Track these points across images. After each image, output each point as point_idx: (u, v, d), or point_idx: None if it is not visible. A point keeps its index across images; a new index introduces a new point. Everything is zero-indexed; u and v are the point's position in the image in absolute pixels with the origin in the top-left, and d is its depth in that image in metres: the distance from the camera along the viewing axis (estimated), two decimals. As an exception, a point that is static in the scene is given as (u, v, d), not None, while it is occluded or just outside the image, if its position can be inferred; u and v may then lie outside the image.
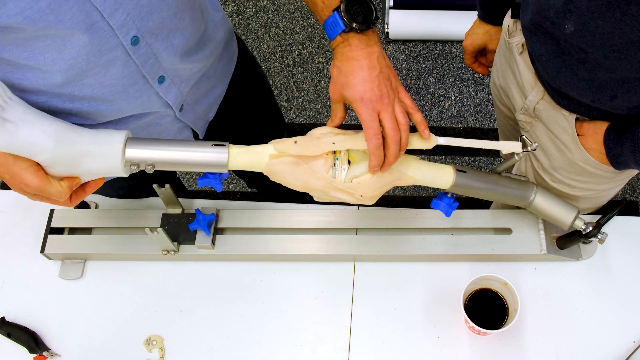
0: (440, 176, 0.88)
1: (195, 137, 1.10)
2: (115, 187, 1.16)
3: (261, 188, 1.65)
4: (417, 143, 0.85)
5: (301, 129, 2.24)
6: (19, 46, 0.73)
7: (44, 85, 0.80)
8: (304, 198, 0.89)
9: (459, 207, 0.96)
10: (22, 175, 0.79)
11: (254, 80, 1.25)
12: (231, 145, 0.84)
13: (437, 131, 2.22)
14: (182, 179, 2.14)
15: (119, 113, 0.90)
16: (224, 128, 1.18)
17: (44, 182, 0.80)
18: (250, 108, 1.26)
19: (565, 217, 0.96)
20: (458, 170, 0.89)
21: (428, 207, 1.01)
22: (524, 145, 0.86)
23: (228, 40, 1.09)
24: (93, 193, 1.17)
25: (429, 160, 0.92)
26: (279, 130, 1.42)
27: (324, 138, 0.82)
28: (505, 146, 0.86)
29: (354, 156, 0.84)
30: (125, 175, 0.84)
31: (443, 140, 0.85)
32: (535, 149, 0.86)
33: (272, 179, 0.84)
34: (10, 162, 0.78)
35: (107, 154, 0.81)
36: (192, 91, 1.00)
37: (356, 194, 0.83)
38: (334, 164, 0.83)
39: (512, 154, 0.88)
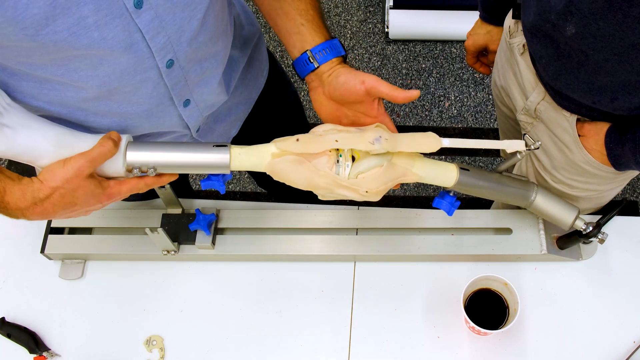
0: (444, 174, 0.88)
1: None
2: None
3: (271, 188, 1.65)
4: (422, 147, 0.84)
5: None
6: (54, 65, 0.73)
7: (71, 98, 0.80)
8: (313, 197, 0.89)
9: (460, 207, 0.96)
10: (113, 190, 0.82)
11: (283, 97, 1.24)
12: (232, 145, 0.83)
13: (437, 131, 2.20)
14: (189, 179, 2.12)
15: (139, 130, 0.90)
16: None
17: (130, 182, 0.83)
18: (276, 125, 1.24)
19: (566, 217, 0.96)
20: (461, 168, 0.89)
21: (428, 207, 1.01)
22: (527, 144, 0.86)
23: (255, 56, 1.09)
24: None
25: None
26: None
27: (326, 135, 0.82)
28: (509, 145, 0.86)
29: (358, 152, 0.83)
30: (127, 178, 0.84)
31: (448, 142, 0.84)
32: (538, 148, 0.85)
33: (275, 178, 0.84)
34: (98, 191, 0.80)
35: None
36: (212, 112, 1.00)
37: (361, 190, 0.82)
38: (338, 161, 0.81)
39: (515, 153, 0.87)
